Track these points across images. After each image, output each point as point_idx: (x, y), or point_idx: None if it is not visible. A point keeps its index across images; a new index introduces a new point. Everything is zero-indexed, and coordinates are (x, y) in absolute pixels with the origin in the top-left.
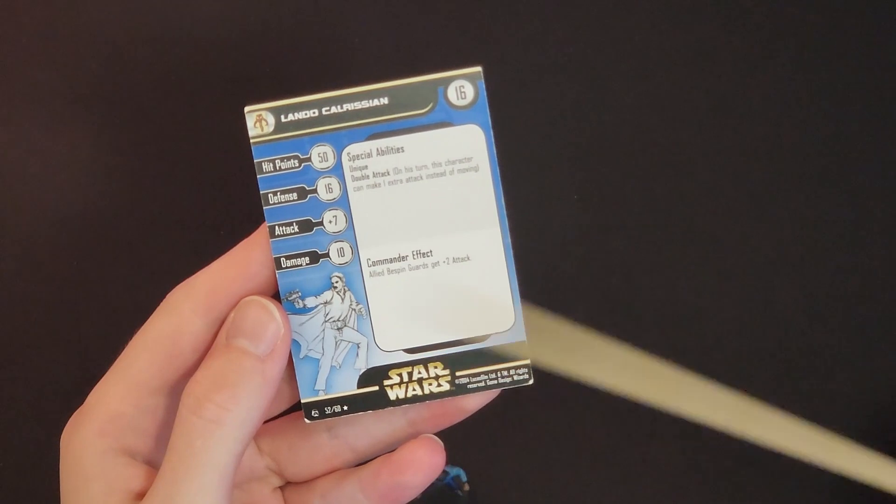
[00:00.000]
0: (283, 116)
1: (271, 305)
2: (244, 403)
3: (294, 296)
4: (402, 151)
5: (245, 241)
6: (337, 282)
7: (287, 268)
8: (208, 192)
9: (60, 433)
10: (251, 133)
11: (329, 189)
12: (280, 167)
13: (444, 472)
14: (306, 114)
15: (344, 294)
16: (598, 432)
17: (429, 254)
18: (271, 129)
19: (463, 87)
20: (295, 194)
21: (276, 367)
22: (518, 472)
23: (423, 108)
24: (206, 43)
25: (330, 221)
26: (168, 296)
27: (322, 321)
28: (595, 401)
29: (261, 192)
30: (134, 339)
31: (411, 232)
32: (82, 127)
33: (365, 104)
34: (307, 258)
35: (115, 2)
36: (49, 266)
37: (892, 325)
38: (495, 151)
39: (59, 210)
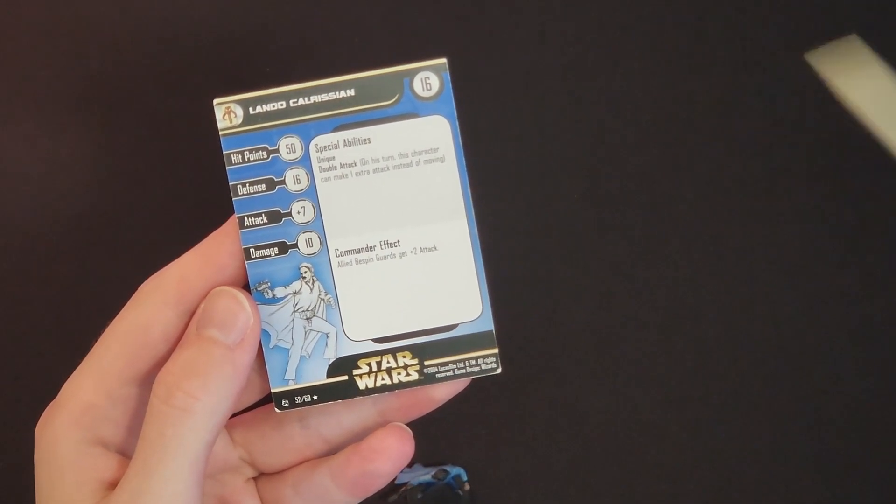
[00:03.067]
0: (251, 108)
1: (241, 295)
2: (214, 392)
3: (263, 286)
4: (369, 142)
5: (215, 232)
6: (306, 272)
7: (256, 258)
8: (208, 192)
9: None
10: (220, 125)
11: (297, 180)
12: (249, 158)
13: (445, 472)
14: (274, 106)
15: (313, 284)
16: (599, 432)
17: (396, 244)
18: (240, 121)
19: (428, 78)
20: (263, 185)
21: (246, 357)
22: (518, 472)
23: (389, 100)
24: (207, 42)
25: (298, 212)
26: (139, 288)
27: (291, 311)
28: (595, 401)
29: (230, 184)
30: (106, 331)
31: (379, 222)
32: (82, 127)
33: (332, 96)
34: (276, 249)
35: (115, 1)
36: (49, 266)
37: (893, 325)
38: (461, 142)
39: (59, 210)
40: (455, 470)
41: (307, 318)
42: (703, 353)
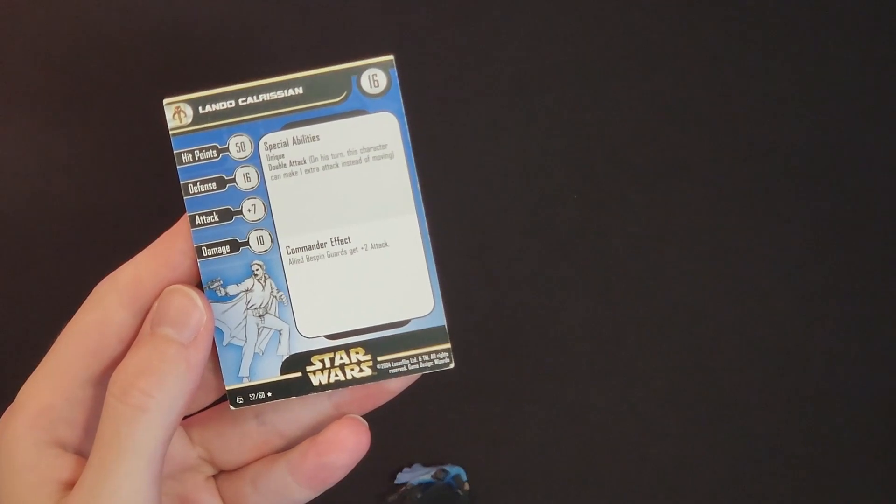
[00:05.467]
0: (200, 108)
1: (194, 293)
2: (169, 390)
3: (216, 284)
4: (318, 140)
5: (167, 231)
6: (257, 269)
7: (208, 256)
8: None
9: None
10: (170, 125)
11: (247, 178)
12: (199, 157)
13: (445, 472)
14: (223, 105)
15: (265, 282)
16: (598, 432)
17: (347, 240)
18: (189, 120)
19: (375, 75)
20: (214, 184)
21: (200, 354)
22: (518, 472)
23: (337, 97)
24: (207, 42)
25: (249, 210)
26: (94, 289)
27: (244, 308)
28: (595, 401)
29: (181, 183)
30: (62, 333)
31: (329, 219)
32: (82, 126)
33: (280, 94)
34: (227, 247)
35: (115, 2)
36: (49, 266)
37: (892, 326)
38: (409, 138)
39: (59, 210)
40: (455, 470)
41: (260, 316)
42: (703, 353)
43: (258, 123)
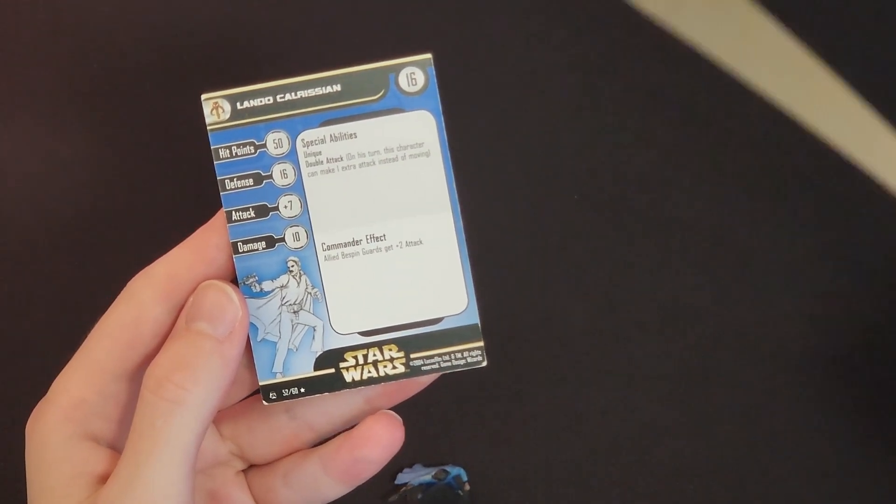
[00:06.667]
0: (238, 104)
1: (229, 289)
2: (204, 384)
3: (251, 280)
4: (355, 137)
5: (203, 227)
6: (293, 266)
7: (244, 252)
8: (209, 192)
9: None
10: (208, 120)
11: (284, 175)
12: (236, 153)
13: (445, 472)
14: (261, 101)
15: (300, 278)
16: (598, 432)
17: (382, 238)
18: (227, 116)
19: (413, 73)
20: (251, 180)
21: (235, 349)
22: (518, 472)
23: (374, 95)
24: (207, 42)
25: (285, 206)
26: (128, 284)
27: (279, 304)
28: (595, 401)
29: (217, 178)
30: (96, 327)
31: (365, 216)
32: (83, 126)
33: (318, 91)
34: (263, 242)
35: (116, 2)
36: (49, 266)
37: (893, 326)
38: (446, 136)
39: (59, 210)
40: (455, 470)
41: (294, 312)
42: (703, 354)
43: (296, 120)
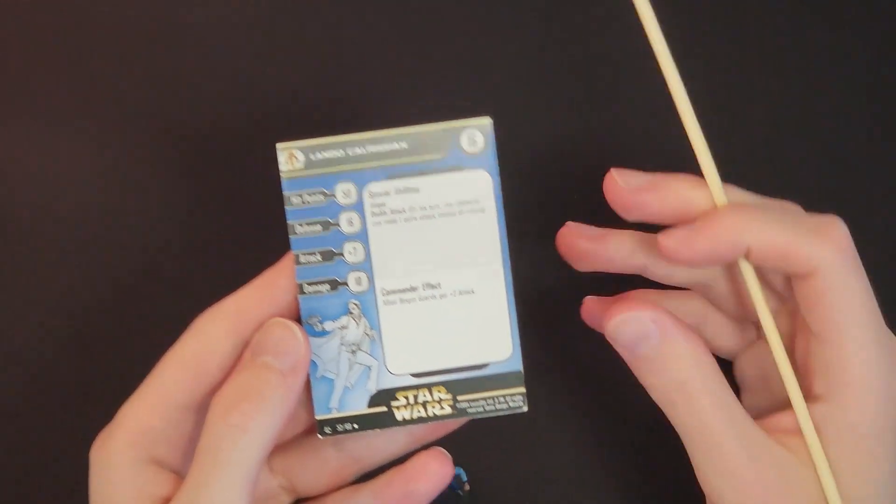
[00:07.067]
0: (312, 154)
1: (294, 326)
2: (268, 413)
3: (314, 319)
4: (418, 191)
5: (271, 268)
6: (353, 308)
7: (308, 293)
8: (209, 192)
9: (60, 433)
10: (282, 168)
11: (350, 223)
12: (307, 201)
13: None
14: (333, 153)
15: (359, 320)
16: (599, 433)
17: (437, 286)
18: (301, 165)
19: (474, 135)
20: (319, 226)
21: (297, 383)
22: (518, 473)
23: (438, 153)
24: (207, 42)
25: (350, 252)
26: (197, 319)
27: (338, 344)
28: (596, 401)
29: (288, 223)
30: (163, 358)
31: (423, 265)
32: (83, 126)
33: (386, 147)
34: (327, 285)
35: (116, 1)
36: (49, 266)
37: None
38: (501, 195)
39: (59, 210)
40: (455, 470)
41: (352, 352)
42: None
43: (364, 173)
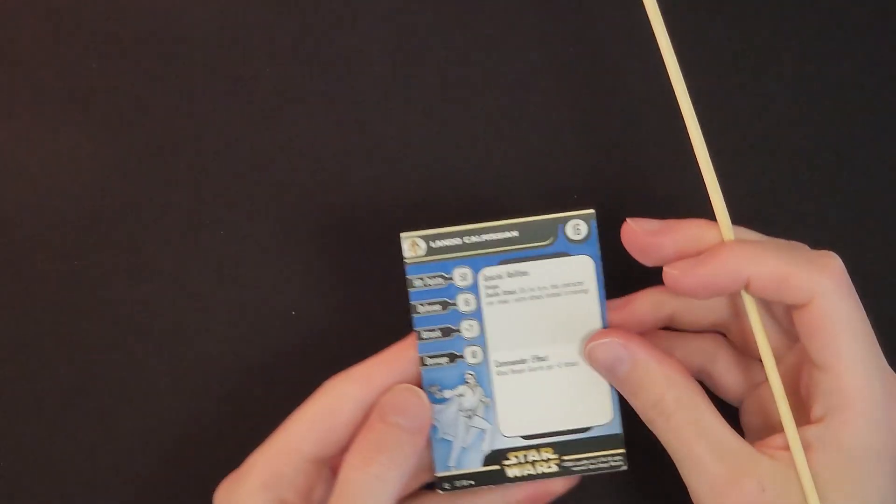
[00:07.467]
0: (432, 243)
1: (420, 392)
2: (400, 466)
3: (434, 388)
4: (527, 275)
5: (396, 345)
6: (469, 378)
7: (430, 365)
8: (208, 192)
9: (60, 433)
10: (406, 255)
11: (467, 303)
12: (428, 284)
13: None
14: (451, 241)
15: (475, 389)
16: None
17: (545, 358)
18: (423, 252)
19: (578, 224)
20: (439, 306)
21: (422, 441)
22: None
23: (545, 241)
24: (207, 42)
25: (466, 329)
26: (327, 381)
27: (456, 410)
28: None
29: (411, 303)
30: (294, 413)
31: (532, 340)
32: (82, 126)
33: (499, 236)
34: (446, 358)
35: (115, 1)
36: (49, 266)
37: (892, 326)
38: (602, 278)
39: (59, 210)
40: None
41: (469, 416)
42: None
43: (479, 258)
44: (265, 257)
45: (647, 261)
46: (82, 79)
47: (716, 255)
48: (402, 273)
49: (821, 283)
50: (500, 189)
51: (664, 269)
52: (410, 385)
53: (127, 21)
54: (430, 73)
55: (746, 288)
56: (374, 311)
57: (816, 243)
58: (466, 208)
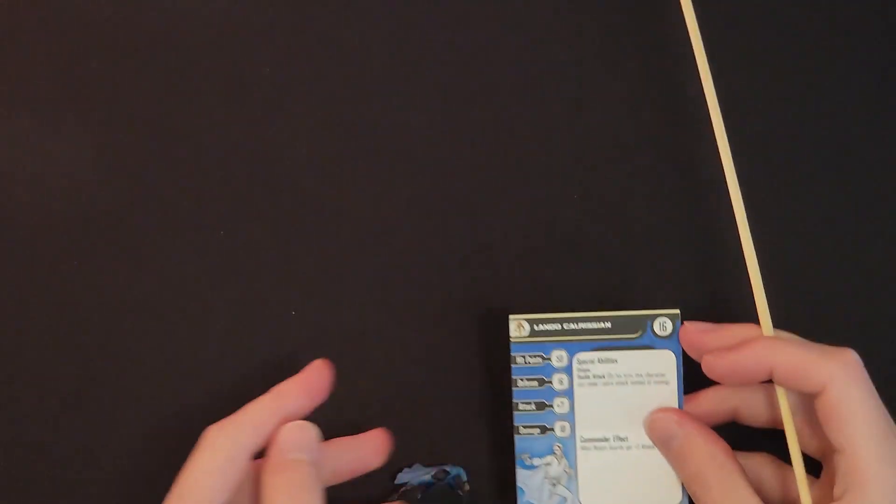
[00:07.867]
0: (535, 326)
1: (308, 424)
2: (321, 499)
3: (525, 455)
4: (616, 362)
5: (276, 387)
6: (557, 450)
7: (523, 434)
8: (208, 192)
9: (60, 433)
10: (512, 334)
11: (560, 382)
12: (528, 361)
13: (445, 472)
14: (552, 326)
15: (561, 459)
16: None
17: (626, 439)
18: (526, 333)
19: (665, 322)
20: (536, 382)
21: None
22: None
23: (634, 334)
24: (206, 42)
25: (558, 405)
26: (211, 434)
27: (542, 477)
28: None
29: (512, 377)
30: (187, 469)
31: (615, 421)
32: (82, 127)
33: (594, 325)
34: (538, 430)
35: (115, 1)
36: (49, 266)
37: (893, 325)
38: (682, 371)
39: (59, 210)
40: (455, 470)
41: (553, 484)
42: None
43: (575, 344)
44: (265, 257)
45: (696, 355)
46: (82, 79)
47: (746, 345)
48: (403, 273)
49: (835, 371)
50: (501, 188)
51: (703, 356)
52: (299, 421)
53: (127, 21)
54: (430, 72)
55: (772, 377)
56: (375, 311)
57: (817, 244)
58: (467, 208)
